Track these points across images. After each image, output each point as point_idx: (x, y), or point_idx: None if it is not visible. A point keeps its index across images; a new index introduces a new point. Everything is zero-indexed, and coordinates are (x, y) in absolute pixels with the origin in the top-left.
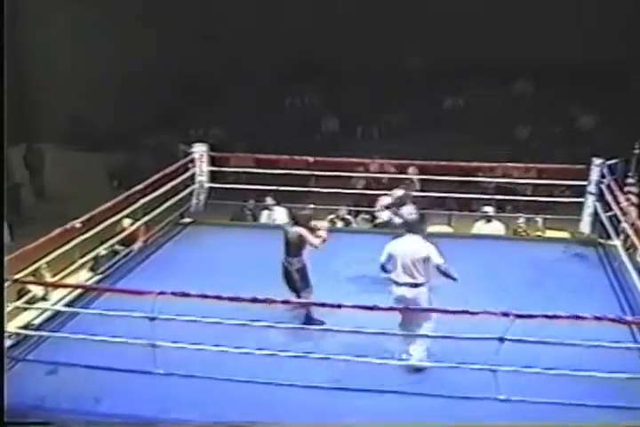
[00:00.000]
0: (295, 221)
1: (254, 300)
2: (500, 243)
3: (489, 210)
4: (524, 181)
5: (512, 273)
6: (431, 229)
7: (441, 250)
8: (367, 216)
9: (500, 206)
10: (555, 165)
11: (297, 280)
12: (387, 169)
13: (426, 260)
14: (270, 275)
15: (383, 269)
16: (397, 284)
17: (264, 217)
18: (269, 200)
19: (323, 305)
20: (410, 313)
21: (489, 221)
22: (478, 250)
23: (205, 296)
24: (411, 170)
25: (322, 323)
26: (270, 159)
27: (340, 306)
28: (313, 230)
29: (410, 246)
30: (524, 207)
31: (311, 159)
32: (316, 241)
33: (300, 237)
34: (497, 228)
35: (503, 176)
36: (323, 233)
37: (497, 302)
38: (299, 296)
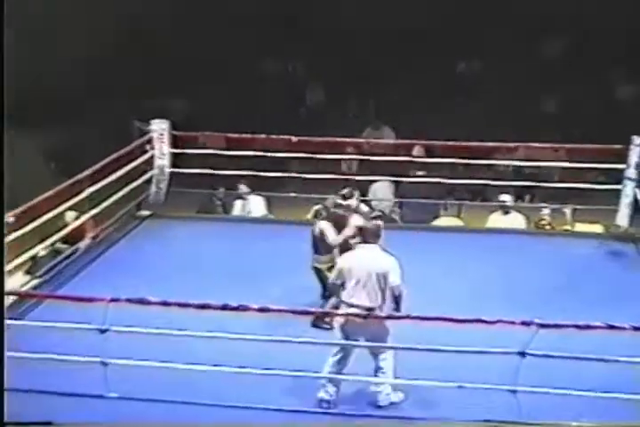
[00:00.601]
0: (320, 213)
1: (224, 307)
2: (519, 239)
3: (507, 199)
4: (549, 164)
5: (534, 276)
6: (438, 222)
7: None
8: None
9: (520, 195)
10: (587, 145)
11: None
12: (385, 150)
13: (383, 276)
14: (245, 276)
15: (331, 290)
16: (348, 305)
17: (237, 208)
18: (243, 188)
19: (294, 312)
20: (361, 335)
21: (507, 212)
22: (494, 247)
23: (167, 304)
24: (416, 150)
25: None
26: (245, 139)
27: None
28: (341, 225)
29: (368, 259)
30: (550, 196)
31: (294, 139)
32: (333, 238)
33: (322, 232)
34: (516, 220)
35: (525, 159)
36: (348, 231)
37: (515, 309)
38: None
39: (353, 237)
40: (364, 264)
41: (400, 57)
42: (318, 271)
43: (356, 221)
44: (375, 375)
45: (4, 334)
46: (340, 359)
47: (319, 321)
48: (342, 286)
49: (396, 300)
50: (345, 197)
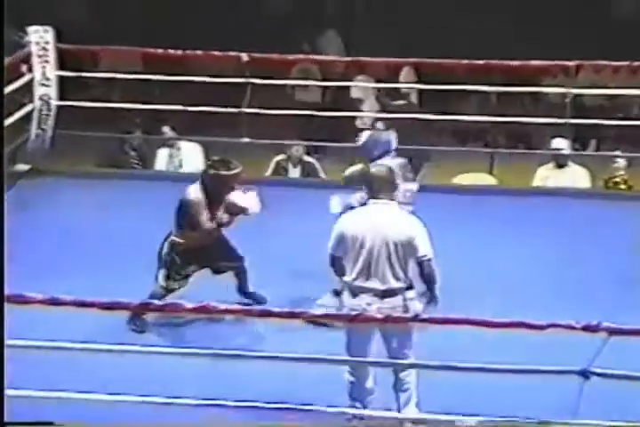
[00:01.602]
0: None
1: (142, 306)
2: (581, 203)
3: (562, 146)
4: (626, 93)
5: (602, 258)
6: (459, 179)
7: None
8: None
9: (581, 139)
10: None
11: None
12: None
13: (408, 246)
14: None
15: (334, 265)
16: (354, 290)
17: (161, 160)
18: (169, 131)
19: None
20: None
21: (562, 165)
22: (543, 216)
23: (57, 302)
24: (404, 74)
25: None
26: (172, 56)
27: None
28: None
29: (381, 222)
30: (627, 140)
31: (245, 56)
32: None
33: None
34: (577, 177)
35: (589, 85)
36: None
37: (574, 306)
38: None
39: None
40: (377, 228)
41: None
42: None
43: None
44: (396, 393)
45: (4, 333)
46: (355, 373)
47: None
48: (339, 262)
49: (428, 280)
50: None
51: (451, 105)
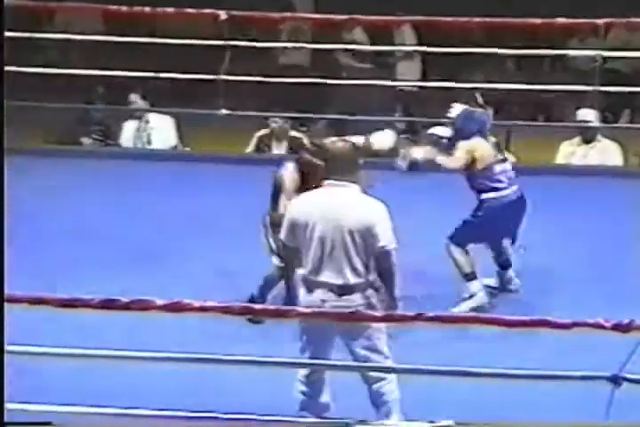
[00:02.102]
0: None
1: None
2: (613, 183)
3: (589, 117)
4: None
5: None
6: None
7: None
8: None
9: (612, 110)
10: None
11: None
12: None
13: (368, 236)
14: (145, 255)
15: (288, 256)
16: (309, 286)
17: (128, 135)
18: (138, 100)
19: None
20: (335, 335)
21: (590, 139)
22: (570, 199)
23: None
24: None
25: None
26: (138, 14)
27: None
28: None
29: (334, 207)
30: None
31: (223, 14)
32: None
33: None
34: (607, 153)
35: (621, 47)
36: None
37: (607, 304)
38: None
39: None
40: (329, 215)
41: None
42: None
43: None
44: (376, 408)
45: (4, 333)
46: (311, 375)
47: None
48: (298, 251)
49: (385, 277)
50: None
51: (460, 71)
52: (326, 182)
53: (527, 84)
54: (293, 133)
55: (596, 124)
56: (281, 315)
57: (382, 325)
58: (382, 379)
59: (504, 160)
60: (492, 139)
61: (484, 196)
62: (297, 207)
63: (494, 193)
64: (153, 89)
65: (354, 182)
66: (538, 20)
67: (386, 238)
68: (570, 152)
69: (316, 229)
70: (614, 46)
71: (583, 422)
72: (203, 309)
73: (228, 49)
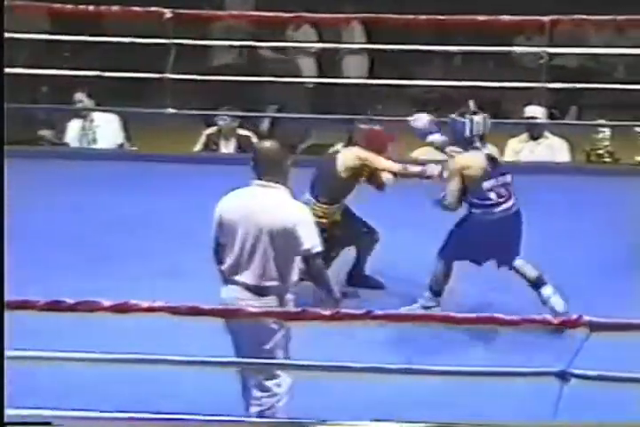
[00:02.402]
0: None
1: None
2: (560, 179)
3: (536, 114)
4: (610, 52)
5: (586, 243)
6: (418, 153)
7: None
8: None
9: (560, 106)
10: None
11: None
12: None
13: (289, 238)
14: (96, 258)
15: (216, 252)
16: (227, 283)
17: (72, 133)
18: (84, 98)
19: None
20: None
21: (537, 136)
22: (517, 196)
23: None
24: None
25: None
26: (83, 13)
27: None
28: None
29: (256, 207)
30: (612, 106)
31: (168, 13)
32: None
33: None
34: (553, 149)
35: (568, 43)
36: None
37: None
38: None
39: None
40: (250, 215)
41: None
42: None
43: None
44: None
45: (3, 334)
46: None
47: None
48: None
49: (316, 281)
50: None
51: (407, 68)
52: (254, 182)
53: (474, 80)
54: (241, 132)
55: (544, 120)
56: (230, 315)
57: (276, 324)
58: (274, 377)
59: (497, 174)
60: (487, 150)
61: (473, 210)
62: (223, 205)
63: (482, 209)
64: (98, 88)
65: (281, 184)
66: (484, 17)
67: (310, 241)
68: (517, 149)
69: (238, 229)
70: (561, 43)
71: (582, 422)
72: (150, 309)
73: (173, 47)
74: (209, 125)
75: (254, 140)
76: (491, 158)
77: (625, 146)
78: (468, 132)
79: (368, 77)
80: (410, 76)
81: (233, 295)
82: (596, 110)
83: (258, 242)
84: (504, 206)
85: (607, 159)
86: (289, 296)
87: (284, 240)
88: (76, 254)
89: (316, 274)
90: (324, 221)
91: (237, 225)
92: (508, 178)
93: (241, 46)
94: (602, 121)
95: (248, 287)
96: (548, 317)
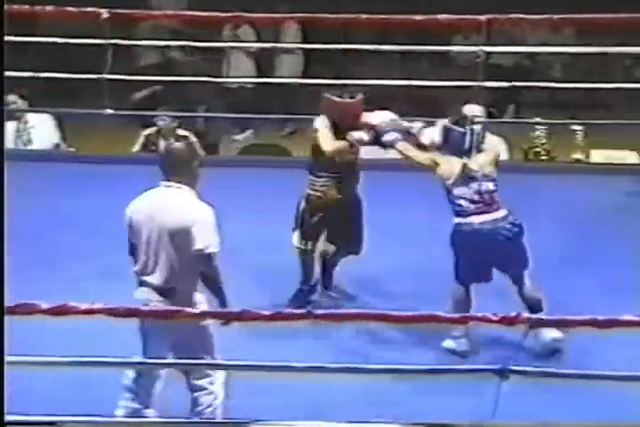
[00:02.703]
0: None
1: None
2: (499, 178)
3: (475, 112)
4: (547, 50)
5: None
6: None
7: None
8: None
9: (497, 104)
10: (615, 16)
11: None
12: None
13: (187, 237)
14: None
15: (132, 253)
16: (140, 283)
17: (7, 136)
18: (17, 100)
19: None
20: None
21: None
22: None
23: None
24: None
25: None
26: (16, 12)
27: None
28: None
29: (159, 208)
30: (549, 105)
31: (104, 13)
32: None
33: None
34: (491, 147)
35: (504, 42)
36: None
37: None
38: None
39: None
40: (154, 215)
41: None
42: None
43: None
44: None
45: (3, 334)
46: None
47: None
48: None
49: (208, 284)
50: None
51: (344, 68)
52: (162, 183)
53: (412, 80)
54: (180, 132)
55: (481, 118)
56: (168, 316)
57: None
58: (207, 376)
59: (470, 181)
60: (476, 157)
61: (455, 220)
62: (133, 206)
63: (459, 218)
64: (33, 89)
65: (186, 184)
66: (421, 17)
67: (203, 241)
68: None
69: (143, 230)
70: (497, 42)
71: (582, 422)
72: (88, 311)
73: (110, 48)
74: (146, 126)
75: (193, 140)
76: (464, 165)
77: (562, 144)
78: (467, 145)
79: (303, 77)
80: (347, 75)
81: (144, 297)
82: (534, 109)
83: (160, 243)
84: (487, 217)
85: (544, 157)
86: (199, 296)
87: (183, 240)
88: (9, 256)
89: (210, 275)
90: (321, 197)
91: (142, 226)
92: (488, 186)
93: (179, 46)
94: (539, 119)
95: (155, 288)
96: (488, 314)
